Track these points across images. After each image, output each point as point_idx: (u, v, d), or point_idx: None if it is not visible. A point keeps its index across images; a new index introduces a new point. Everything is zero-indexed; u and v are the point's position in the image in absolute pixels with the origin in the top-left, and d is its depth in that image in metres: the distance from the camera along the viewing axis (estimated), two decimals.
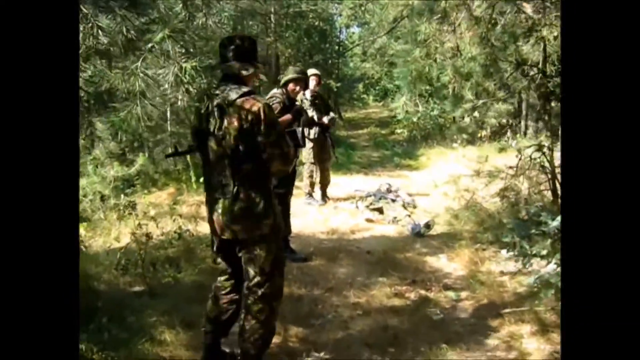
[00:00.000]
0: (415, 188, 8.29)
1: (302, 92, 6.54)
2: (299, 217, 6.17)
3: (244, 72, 2.58)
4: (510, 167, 4.67)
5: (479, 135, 11.86)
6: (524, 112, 11.84)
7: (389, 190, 7.13)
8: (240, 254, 2.65)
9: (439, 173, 9.49)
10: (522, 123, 12.13)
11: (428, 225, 5.66)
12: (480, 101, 5.07)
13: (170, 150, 2.69)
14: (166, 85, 2.01)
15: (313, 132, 6.55)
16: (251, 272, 2.63)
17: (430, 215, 6.23)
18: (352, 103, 23.37)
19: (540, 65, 4.65)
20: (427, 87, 13.54)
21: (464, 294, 4.10)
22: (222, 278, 2.84)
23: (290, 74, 4.73)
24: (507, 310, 3.64)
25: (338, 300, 3.96)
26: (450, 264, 4.80)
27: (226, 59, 2.59)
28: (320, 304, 3.89)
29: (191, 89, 2.09)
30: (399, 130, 15.95)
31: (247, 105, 2.45)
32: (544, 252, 2.82)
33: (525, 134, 11.96)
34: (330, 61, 19.37)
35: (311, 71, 6.71)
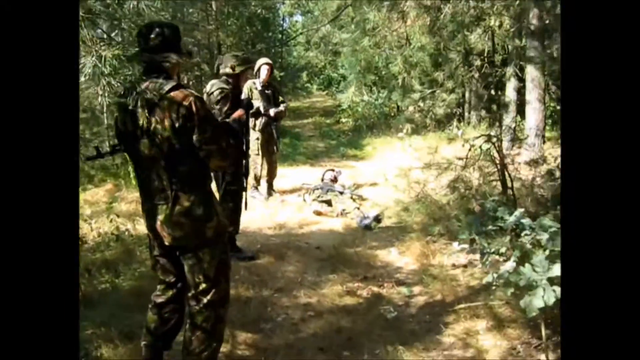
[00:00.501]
0: (362, 179, 8.19)
1: (252, 81, 6.31)
2: (244, 212, 5.95)
3: (168, 63, 2.33)
4: (460, 158, 4.60)
5: (425, 124, 11.89)
6: (467, 102, 11.94)
7: (335, 179, 6.99)
8: (183, 261, 2.43)
9: (385, 163, 9.46)
10: (466, 112, 12.26)
11: (378, 219, 5.56)
12: (429, 91, 4.98)
13: (106, 149, 2.39)
14: (82, 78, 1.75)
15: (259, 123, 6.31)
16: (195, 279, 2.41)
17: (379, 207, 6.15)
18: (296, 92, 23.10)
19: (487, 55, 4.59)
20: (374, 77, 13.50)
21: (416, 289, 4.01)
22: (162, 286, 2.61)
23: (230, 61, 4.44)
24: (461, 306, 3.57)
25: (288, 301, 3.78)
26: (402, 258, 4.71)
27: (147, 49, 2.32)
28: (270, 306, 3.70)
29: (113, 82, 1.83)
30: (344, 120, 15.86)
31: (178, 99, 2.22)
32: (503, 249, 2.74)
33: (468, 123, 12.10)
34: (273, 50, 19.05)
35: (263, 60, 6.45)
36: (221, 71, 4.44)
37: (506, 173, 4.57)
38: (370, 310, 3.66)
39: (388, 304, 3.76)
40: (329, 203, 6.30)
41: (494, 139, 4.40)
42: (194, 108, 2.23)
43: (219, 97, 4.24)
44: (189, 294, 2.46)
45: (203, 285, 2.41)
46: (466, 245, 4.27)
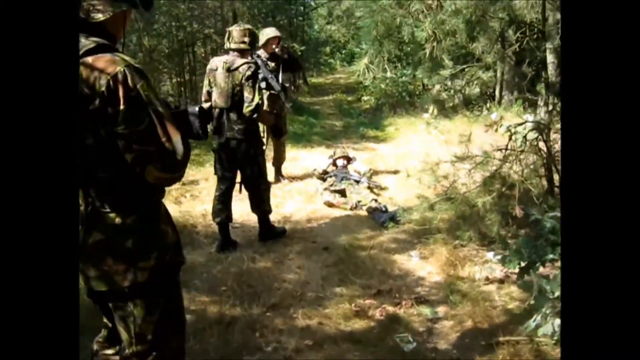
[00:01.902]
0: (382, 164, 7.41)
1: (257, 54, 5.63)
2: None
3: (98, 15, 1.56)
4: (499, 149, 3.80)
5: (453, 105, 10.98)
6: (499, 81, 10.96)
7: (347, 160, 6.24)
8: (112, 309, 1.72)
9: (408, 146, 8.65)
10: (496, 92, 11.29)
11: (395, 219, 4.79)
12: (461, 67, 4.17)
13: None
14: None
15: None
16: (128, 336, 1.69)
17: (399, 202, 5.39)
18: (318, 67, 22.13)
19: (537, 25, 3.77)
20: (396, 49, 12.52)
21: (441, 310, 3.28)
22: (103, 333, 1.91)
23: (242, 34, 4.03)
24: (499, 339, 2.83)
25: (282, 323, 3.07)
26: (424, 265, 3.97)
27: None
28: (259, 329, 3.00)
29: None
30: (365, 98, 14.89)
31: (97, 67, 1.46)
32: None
33: (499, 103, 11.17)
34: (294, 23, 18.12)
35: (268, 31, 5.66)
36: (232, 45, 4.04)
37: (553, 168, 3.77)
38: (382, 338, 2.94)
39: (406, 329, 3.04)
40: (342, 193, 5.55)
41: (542, 127, 3.59)
42: (120, 83, 1.47)
43: (249, 73, 3.93)
44: (120, 356, 1.76)
45: (134, 348, 1.68)
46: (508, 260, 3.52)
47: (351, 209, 5.29)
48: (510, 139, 3.77)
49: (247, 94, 3.92)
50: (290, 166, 6.79)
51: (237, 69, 3.95)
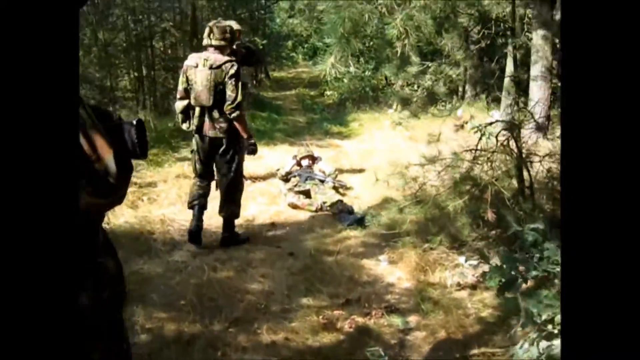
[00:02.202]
0: (347, 162, 7.26)
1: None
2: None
3: None
4: (469, 150, 3.68)
5: (415, 100, 10.90)
6: (465, 76, 10.90)
7: (312, 160, 6.06)
8: None
9: (373, 142, 8.54)
10: (462, 88, 11.25)
11: (362, 222, 4.65)
12: (429, 64, 4.03)
13: None
14: None
15: None
16: None
17: (365, 202, 5.26)
18: (280, 62, 21.81)
19: (505, 21, 3.66)
20: (361, 45, 12.35)
21: (413, 320, 3.14)
22: None
23: (224, 31, 3.96)
24: (474, 352, 2.71)
25: (246, 340, 2.87)
26: (393, 270, 3.83)
27: None
28: (221, 347, 2.79)
29: None
30: (328, 93, 14.68)
31: None
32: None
33: (462, 98, 11.15)
34: (255, 16, 17.77)
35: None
36: (213, 42, 3.94)
37: (524, 168, 3.68)
38: (352, 353, 2.78)
39: (376, 342, 2.87)
40: (307, 194, 5.37)
41: (513, 127, 3.48)
42: None
43: (232, 71, 3.88)
44: None
45: None
46: (475, 262, 3.41)
47: (316, 210, 5.12)
48: (480, 138, 3.65)
49: (229, 92, 3.87)
50: (252, 165, 6.56)
51: (220, 66, 3.87)
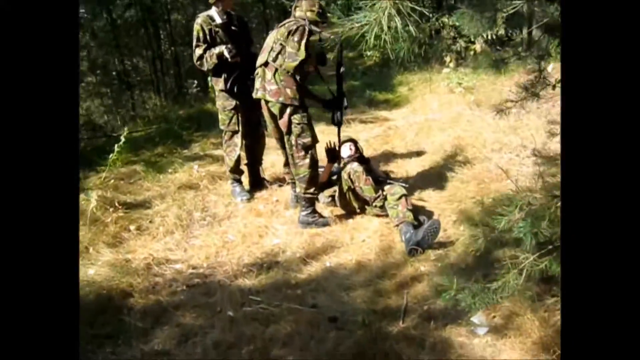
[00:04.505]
0: (401, 143, 5.71)
1: (206, 14, 4.09)
2: (210, 229, 3.67)
3: None
4: None
5: (471, 50, 9.11)
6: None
7: (355, 146, 4.49)
8: None
9: (429, 112, 6.92)
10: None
11: (423, 242, 3.17)
12: None
13: None
14: None
15: (224, 81, 4.05)
16: None
17: (431, 204, 3.75)
18: None
19: None
20: None
21: None
22: None
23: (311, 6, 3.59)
24: None
25: None
26: (500, 349, 2.34)
27: None
28: None
29: None
30: (368, 53, 12.88)
31: None
32: None
33: (529, 45, 9.28)
34: None
35: None
36: (297, 14, 3.62)
37: None
38: None
39: None
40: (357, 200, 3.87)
41: None
42: None
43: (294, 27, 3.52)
44: None
45: None
46: None
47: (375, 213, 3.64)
48: None
49: (290, 49, 3.50)
50: (277, 160, 5.13)
51: (284, 24, 3.59)
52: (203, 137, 6.17)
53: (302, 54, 3.45)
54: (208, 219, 3.97)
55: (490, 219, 3.29)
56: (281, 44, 3.51)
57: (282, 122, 3.61)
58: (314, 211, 3.77)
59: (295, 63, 3.47)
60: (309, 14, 3.57)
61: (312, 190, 3.73)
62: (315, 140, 3.68)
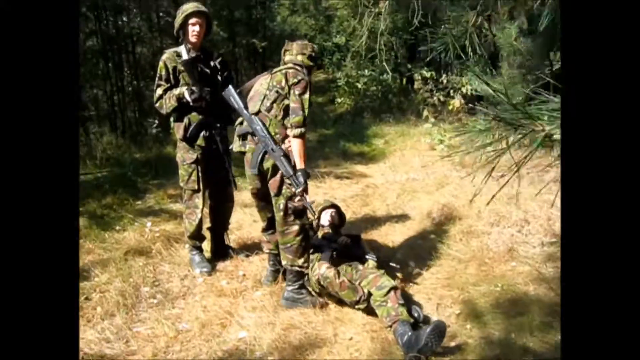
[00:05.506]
0: (380, 203, 5.15)
1: (172, 51, 3.49)
2: (161, 312, 2.96)
3: None
4: None
5: (450, 106, 8.75)
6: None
7: (334, 221, 3.85)
8: None
9: (409, 168, 6.42)
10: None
11: (431, 345, 2.57)
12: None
13: None
14: None
15: (183, 128, 3.46)
16: None
17: (424, 287, 3.15)
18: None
19: None
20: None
21: None
22: None
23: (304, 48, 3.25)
24: None
25: None
26: None
27: None
28: None
29: None
30: (339, 100, 12.42)
31: None
32: None
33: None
34: (254, 16, 15.64)
35: (190, 6, 3.47)
36: (287, 58, 3.23)
37: None
38: None
39: None
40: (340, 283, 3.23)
41: None
42: None
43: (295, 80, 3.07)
44: None
45: None
46: None
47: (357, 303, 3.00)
48: None
49: (293, 104, 3.05)
50: (245, 224, 4.47)
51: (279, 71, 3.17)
52: (160, 187, 5.47)
53: (306, 111, 3.05)
54: (159, 296, 3.27)
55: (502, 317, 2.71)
56: (277, 92, 3.07)
57: (273, 182, 3.06)
58: (302, 286, 3.15)
59: (301, 118, 3.00)
60: (300, 57, 3.19)
61: (300, 262, 3.13)
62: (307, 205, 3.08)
